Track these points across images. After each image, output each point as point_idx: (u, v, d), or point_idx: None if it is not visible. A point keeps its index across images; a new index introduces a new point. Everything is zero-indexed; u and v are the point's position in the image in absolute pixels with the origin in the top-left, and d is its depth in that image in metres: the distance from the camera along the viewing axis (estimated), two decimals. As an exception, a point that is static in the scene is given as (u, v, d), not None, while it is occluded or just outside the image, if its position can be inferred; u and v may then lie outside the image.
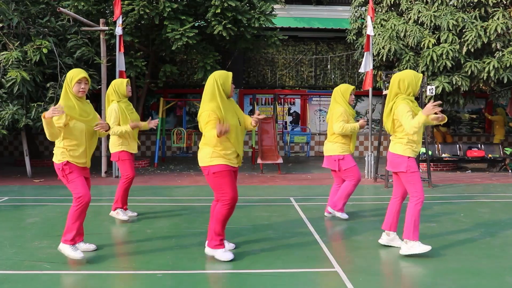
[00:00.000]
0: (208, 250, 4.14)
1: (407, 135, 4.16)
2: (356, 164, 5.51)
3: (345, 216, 5.62)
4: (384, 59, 10.27)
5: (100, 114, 9.62)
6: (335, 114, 5.41)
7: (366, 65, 9.28)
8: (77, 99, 4.03)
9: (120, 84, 5.49)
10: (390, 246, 4.47)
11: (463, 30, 9.73)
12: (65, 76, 9.42)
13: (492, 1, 9.72)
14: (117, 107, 5.41)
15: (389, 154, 4.34)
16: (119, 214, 5.60)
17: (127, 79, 5.68)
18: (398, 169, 4.22)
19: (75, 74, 4.01)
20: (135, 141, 5.62)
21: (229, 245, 4.38)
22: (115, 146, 5.53)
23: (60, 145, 4.01)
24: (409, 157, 4.18)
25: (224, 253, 4.08)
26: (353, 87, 5.52)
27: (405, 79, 4.15)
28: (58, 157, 4.02)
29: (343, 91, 5.48)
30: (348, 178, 5.50)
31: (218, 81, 3.96)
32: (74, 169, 4.01)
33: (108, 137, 11.19)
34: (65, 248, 4.01)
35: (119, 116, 5.41)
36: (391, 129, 4.28)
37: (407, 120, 4.02)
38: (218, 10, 9.75)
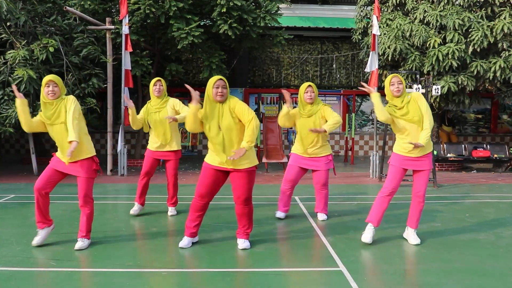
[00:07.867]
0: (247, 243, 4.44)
1: None
2: (291, 165, 5.49)
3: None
4: (389, 58, 10.24)
5: (106, 112, 9.66)
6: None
7: (372, 65, 9.25)
8: (45, 101, 4.21)
9: (150, 85, 5.55)
10: (397, 245, 4.48)
11: (469, 30, 9.69)
12: (71, 75, 9.35)
13: (498, 1, 9.66)
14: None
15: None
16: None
17: (157, 78, 5.59)
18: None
19: (44, 78, 4.21)
20: None
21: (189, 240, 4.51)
22: (179, 144, 5.73)
23: None
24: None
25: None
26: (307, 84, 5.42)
27: None
28: None
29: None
30: None
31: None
32: (52, 160, 4.48)
33: (113, 135, 11.28)
34: None
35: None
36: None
37: None
38: (224, 9, 9.76)
